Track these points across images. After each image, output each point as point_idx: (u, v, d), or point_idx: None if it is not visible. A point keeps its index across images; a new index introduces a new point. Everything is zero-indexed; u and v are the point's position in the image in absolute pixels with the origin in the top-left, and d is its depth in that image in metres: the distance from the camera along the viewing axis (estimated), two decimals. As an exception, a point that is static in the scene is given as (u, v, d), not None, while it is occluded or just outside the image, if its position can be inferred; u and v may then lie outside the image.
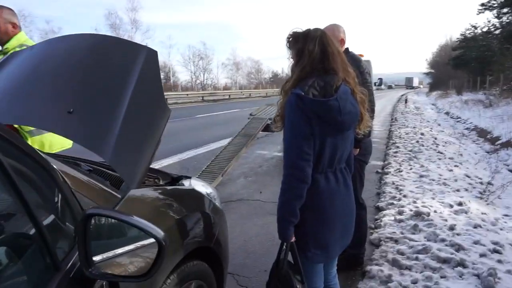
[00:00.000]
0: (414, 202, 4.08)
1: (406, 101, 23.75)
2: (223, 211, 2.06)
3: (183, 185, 1.77)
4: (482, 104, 15.34)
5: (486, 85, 22.94)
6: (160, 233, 0.82)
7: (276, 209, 1.50)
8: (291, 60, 1.54)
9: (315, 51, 1.45)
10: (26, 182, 0.84)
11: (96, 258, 0.85)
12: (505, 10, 25.30)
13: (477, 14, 29.35)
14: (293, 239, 1.50)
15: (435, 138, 8.58)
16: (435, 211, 3.70)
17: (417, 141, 8.16)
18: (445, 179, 5.00)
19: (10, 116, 1.60)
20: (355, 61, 2.45)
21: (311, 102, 1.39)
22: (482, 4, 26.78)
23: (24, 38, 2.44)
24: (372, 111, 2.38)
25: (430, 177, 5.13)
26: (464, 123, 12.63)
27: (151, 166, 2.16)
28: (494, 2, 25.90)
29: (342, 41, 2.52)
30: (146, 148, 1.44)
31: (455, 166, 5.84)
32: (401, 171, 5.57)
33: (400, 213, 3.80)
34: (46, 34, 34.38)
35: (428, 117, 14.96)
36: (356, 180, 2.57)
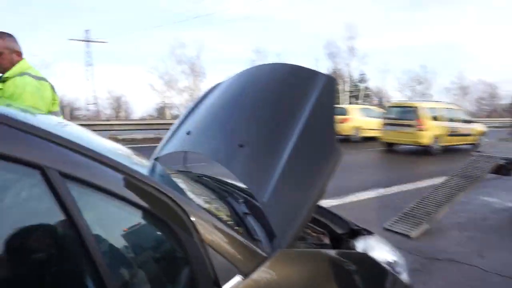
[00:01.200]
0: None
1: None
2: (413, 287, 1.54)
3: (354, 246, 1.39)
4: None
5: None
6: None
7: None
8: None
9: None
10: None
11: None
12: None
13: None
14: None
15: None
16: None
17: None
18: None
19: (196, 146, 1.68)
20: None
21: None
22: None
23: (26, 66, 2.37)
24: None
25: None
26: None
27: (330, 209, 1.89)
28: None
29: None
30: (306, 198, 1.18)
31: None
32: None
33: None
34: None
35: None
36: None
